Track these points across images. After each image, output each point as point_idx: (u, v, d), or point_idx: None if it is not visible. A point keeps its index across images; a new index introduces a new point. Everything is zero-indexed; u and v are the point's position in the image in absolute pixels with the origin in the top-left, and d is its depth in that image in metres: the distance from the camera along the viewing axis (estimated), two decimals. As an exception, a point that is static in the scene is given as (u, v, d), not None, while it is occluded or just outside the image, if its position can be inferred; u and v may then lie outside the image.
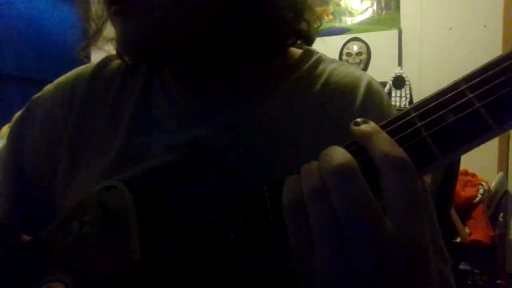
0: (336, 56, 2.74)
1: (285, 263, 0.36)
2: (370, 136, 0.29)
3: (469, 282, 2.18)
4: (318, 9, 0.53)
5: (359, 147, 0.30)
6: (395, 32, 2.72)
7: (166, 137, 0.50)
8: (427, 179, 1.37)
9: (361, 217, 0.26)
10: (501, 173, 2.38)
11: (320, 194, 0.28)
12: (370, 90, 0.51)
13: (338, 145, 0.31)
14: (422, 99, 0.30)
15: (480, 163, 2.30)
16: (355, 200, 0.27)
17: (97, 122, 0.55)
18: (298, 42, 0.53)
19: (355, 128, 0.30)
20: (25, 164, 0.59)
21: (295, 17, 0.49)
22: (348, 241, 0.27)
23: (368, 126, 0.30)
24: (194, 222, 0.37)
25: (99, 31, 0.54)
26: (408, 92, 2.66)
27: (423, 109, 0.30)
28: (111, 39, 0.54)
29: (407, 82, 2.67)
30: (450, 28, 2.58)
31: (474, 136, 0.28)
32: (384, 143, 0.28)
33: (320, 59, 0.55)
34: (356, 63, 2.76)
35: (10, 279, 0.52)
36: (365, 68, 2.76)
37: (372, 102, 0.50)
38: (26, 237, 0.56)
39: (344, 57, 2.82)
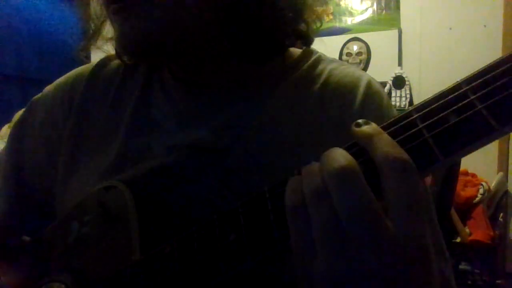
0: (336, 56, 2.74)
1: (285, 263, 0.36)
2: (371, 137, 0.29)
3: (469, 282, 2.18)
4: (318, 9, 0.53)
5: (360, 148, 0.30)
6: (395, 32, 2.73)
7: (166, 137, 0.50)
8: (428, 179, 1.37)
9: (362, 219, 0.26)
10: (501, 173, 2.39)
11: (321, 196, 0.28)
12: (370, 90, 0.51)
13: (339, 145, 0.31)
14: (424, 100, 0.30)
15: (480, 163, 2.30)
16: (356, 202, 0.27)
17: (97, 122, 0.55)
18: (297, 43, 0.53)
19: (357, 129, 0.30)
20: (25, 165, 0.59)
21: (295, 17, 0.49)
22: (349, 242, 0.27)
23: (370, 127, 0.30)
24: (194, 222, 0.37)
25: (98, 30, 0.54)
26: (408, 92, 2.67)
27: (425, 111, 0.29)
28: (111, 39, 0.54)
29: (407, 82, 2.67)
30: (450, 28, 2.58)
31: (476, 138, 0.27)
32: (385, 145, 0.28)
33: (320, 59, 0.55)
34: (356, 63, 2.76)
35: (10, 279, 0.52)
36: (365, 68, 2.76)
37: (372, 102, 0.50)
38: (26, 237, 0.56)
39: (344, 57, 2.82)
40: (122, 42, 0.46)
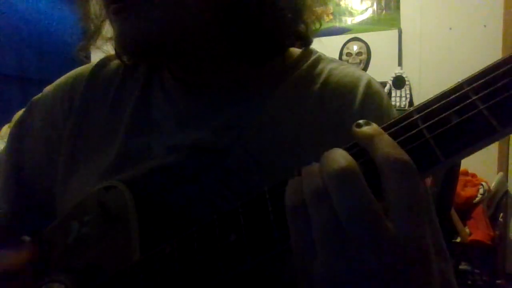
0: (336, 56, 2.74)
1: (286, 263, 0.36)
2: (372, 138, 0.29)
3: (469, 282, 2.18)
4: (317, 10, 0.53)
5: (361, 149, 0.30)
6: (395, 32, 2.72)
7: (166, 137, 0.50)
8: (428, 179, 1.37)
9: (361, 220, 0.26)
10: (501, 173, 2.39)
11: (321, 197, 0.28)
12: (370, 89, 0.51)
13: (339, 145, 0.31)
14: (425, 101, 0.30)
15: (480, 163, 2.30)
16: (356, 203, 0.27)
17: (97, 122, 0.55)
18: (297, 43, 0.53)
19: (357, 130, 0.30)
20: (25, 165, 0.59)
21: (294, 18, 0.49)
22: (349, 243, 0.27)
23: (370, 128, 0.30)
24: (194, 223, 0.37)
25: (97, 30, 0.54)
26: (408, 92, 2.66)
27: (426, 111, 0.29)
28: (110, 39, 0.54)
29: (407, 82, 2.67)
30: (450, 28, 2.58)
31: (478, 139, 0.27)
32: (386, 145, 0.28)
33: (319, 58, 0.55)
34: (356, 63, 2.76)
35: (10, 279, 0.52)
36: (365, 68, 2.76)
37: (372, 102, 0.50)
38: (26, 237, 0.56)
39: (344, 57, 2.82)
40: (122, 42, 0.46)
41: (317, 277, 0.28)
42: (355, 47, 2.82)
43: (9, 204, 0.59)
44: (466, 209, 2.17)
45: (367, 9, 2.84)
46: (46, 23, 3.20)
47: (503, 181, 2.37)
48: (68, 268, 0.46)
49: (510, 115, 0.27)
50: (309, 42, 0.54)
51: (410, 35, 2.69)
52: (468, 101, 0.28)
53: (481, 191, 2.20)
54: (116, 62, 0.58)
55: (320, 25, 0.54)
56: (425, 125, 0.29)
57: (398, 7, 2.73)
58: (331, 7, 2.86)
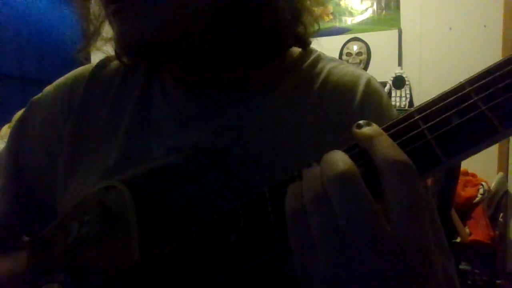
0: (336, 56, 2.74)
1: (286, 263, 0.36)
2: (372, 139, 0.29)
3: (469, 282, 2.17)
4: (317, 11, 0.53)
5: (361, 149, 0.30)
6: (395, 32, 2.72)
7: (166, 138, 0.50)
8: (428, 179, 1.36)
9: (361, 223, 0.27)
10: (501, 173, 2.38)
11: (321, 202, 0.28)
12: (369, 88, 0.51)
13: (339, 145, 0.31)
14: (426, 101, 0.30)
15: (480, 163, 2.30)
16: (356, 207, 0.27)
17: (97, 123, 0.55)
18: (296, 45, 0.53)
19: (357, 131, 0.30)
20: (25, 165, 0.59)
21: (293, 19, 0.49)
22: (349, 245, 0.27)
23: (370, 129, 0.30)
24: (194, 223, 0.37)
25: (97, 31, 0.54)
26: (408, 92, 2.66)
27: (427, 112, 0.29)
28: (110, 40, 0.54)
29: (407, 82, 2.67)
30: (450, 28, 2.58)
31: (480, 139, 0.27)
32: (385, 147, 0.28)
33: (319, 58, 0.55)
34: (356, 63, 2.76)
35: (10, 279, 0.52)
36: (365, 68, 2.76)
37: (372, 100, 0.50)
38: (26, 237, 0.56)
39: (344, 57, 2.82)
40: (122, 43, 0.46)
41: (318, 279, 0.28)
42: (355, 47, 2.82)
43: (9, 204, 0.59)
44: (466, 209, 2.17)
45: (367, 9, 2.84)
46: (46, 23, 3.20)
47: (503, 181, 2.37)
48: (68, 268, 0.46)
49: None
50: (307, 44, 0.54)
51: (410, 35, 2.69)
52: (469, 102, 0.28)
53: (481, 191, 2.20)
54: (116, 62, 0.58)
55: (319, 26, 0.54)
56: (426, 125, 0.29)
57: (398, 7, 2.73)
58: (331, 7, 2.86)
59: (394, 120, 0.30)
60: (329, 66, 0.53)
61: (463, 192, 2.17)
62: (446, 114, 0.28)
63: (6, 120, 2.47)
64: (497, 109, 0.27)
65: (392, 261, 0.27)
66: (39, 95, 0.61)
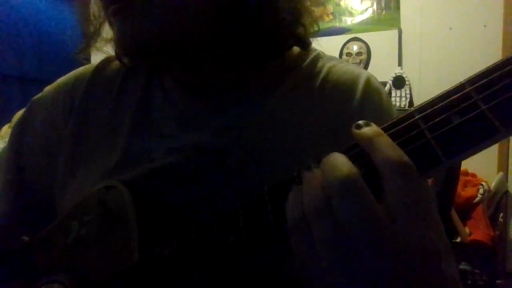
0: (336, 56, 2.74)
1: (286, 263, 0.36)
2: (371, 139, 0.29)
3: (469, 282, 2.17)
4: (317, 11, 0.53)
5: (360, 149, 0.30)
6: (395, 32, 2.72)
7: (167, 139, 0.50)
8: (428, 179, 1.36)
9: (365, 227, 0.26)
10: (501, 173, 2.38)
11: (323, 207, 0.28)
12: (369, 87, 0.51)
13: (339, 145, 0.31)
14: (426, 101, 0.30)
15: (480, 163, 2.30)
16: (359, 212, 0.27)
17: (98, 123, 0.55)
18: (295, 46, 0.53)
19: (357, 131, 0.30)
20: (25, 165, 0.58)
21: (294, 19, 0.49)
22: (353, 249, 0.27)
23: (370, 130, 0.29)
24: (194, 223, 0.37)
25: (97, 32, 0.54)
26: (408, 92, 2.66)
27: (427, 111, 0.29)
28: (110, 40, 0.54)
29: (407, 82, 2.67)
30: (450, 28, 2.58)
31: (480, 139, 0.27)
32: (385, 147, 0.28)
33: (318, 56, 0.55)
34: (356, 63, 2.76)
35: (10, 279, 0.52)
36: (365, 68, 2.75)
37: (371, 99, 0.50)
38: (26, 238, 0.56)
39: (344, 57, 2.81)
40: (122, 43, 0.46)
41: (320, 283, 0.28)
42: (355, 47, 2.82)
43: (9, 204, 0.59)
44: (466, 209, 2.17)
45: (367, 9, 2.84)
46: (46, 23, 3.20)
47: (503, 181, 2.37)
48: (68, 268, 0.46)
49: None
50: (308, 44, 0.54)
51: (410, 35, 2.69)
52: (470, 102, 0.28)
53: (481, 191, 2.19)
54: (116, 63, 0.58)
55: (319, 27, 0.54)
56: (427, 125, 0.29)
57: (398, 7, 2.73)
58: (331, 7, 2.86)
59: (394, 120, 0.30)
60: (328, 64, 0.53)
61: (463, 192, 2.17)
62: (447, 114, 0.28)
63: (6, 120, 2.48)
64: (497, 109, 0.27)
65: (393, 261, 0.27)
66: (40, 95, 0.61)
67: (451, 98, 0.29)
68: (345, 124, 0.34)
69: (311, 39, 0.54)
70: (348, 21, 2.88)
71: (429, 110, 0.29)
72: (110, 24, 0.48)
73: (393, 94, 2.68)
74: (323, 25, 2.78)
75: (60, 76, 0.61)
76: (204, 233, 0.36)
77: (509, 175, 2.42)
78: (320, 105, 0.50)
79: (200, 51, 0.49)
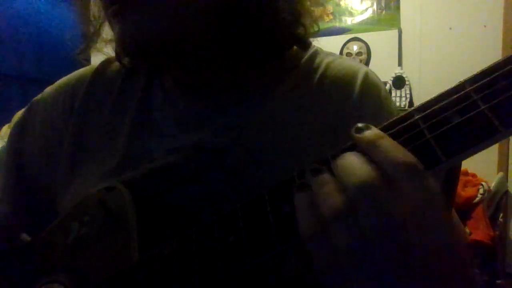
0: (336, 56, 2.73)
1: (285, 264, 0.36)
2: (374, 143, 0.28)
3: (469, 282, 2.17)
4: (317, 11, 0.53)
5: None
6: (395, 32, 2.72)
7: (167, 139, 0.50)
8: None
9: (390, 231, 0.26)
10: (501, 173, 2.38)
11: (346, 216, 0.27)
12: (368, 81, 0.51)
13: (339, 142, 0.30)
14: (426, 101, 0.30)
15: (480, 163, 2.30)
16: (381, 216, 0.26)
17: (98, 124, 0.55)
18: (295, 46, 0.53)
19: (358, 136, 0.29)
20: (25, 165, 0.59)
21: (293, 19, 0.49)
22: (378, 252, 0.26)
23: (371, 133, 0.29)
24: (194, 223, 0.37)
25: (97, 32, 0.54)
26: (408, 92, 2.66)
27: (427, 111, 0.29)
28: (110, 41, 0.54)
29: (407, 82, 2.66)
30: (450, 28, 2.58)
31: (480, 139, 0.27)
32: (390, 149, 0.28)
33: (316, 52, 0.55)
34: (356, 63, 2.76)
35: (10, 279, 0.52)
36: (365, 68, 2.75)
37: (370, 93, 0.50)
38: (26, 238, 0.56)
39: (344, 57, 2.81)
40: (122, 43, 0.46)
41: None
42: (355, 47, 2.82)
43: (9, 204, 0.59)
44: (466, 209, 2.17)
45: (367, 9, 2.84)
46: (46, 23, 3.20)
47: (503, 181, 2.36)
48: (68, 268, 0.46)
49: None
50: (307, 45, 0.54)
51: (410, 35, 2.69)
52: (469, 101, 0.28)
53: (481, 191, 2.19)
54: (117, 64, 0.58)
55: (319, 27, 0.54)
56: (426, 125, 0.29)
57: (398, 7, 2.73)
58: (331, 7, 2.86)
59: (394, 119, 0.30)
60: (326, 60, 0.53)
61: (463, 192, 2.17)
62: (446, 113, 0.28)
63: (6, 120, 2.47)
64: (497, 108, 0.27)
65: (427, 269, 0.26)
66: (40, 95, 0.61)
67: (451, 98, 0.29)
68: (344, 120, 0.34)
69: (311, 39, 0.54)
70: (348, 21, 2.88)
71: (429, 110, 0.29)
72: (110, 25, 0.48)
73: (393, 94, 2.67)
74: (323, 25, 2.78)
75: (60, 76, 0.61)
76: (204, 233, 0.36)
77: (509, 175, 2.42)
78: (319, 102, 0.50)
79: (200, 51, 0.49)
